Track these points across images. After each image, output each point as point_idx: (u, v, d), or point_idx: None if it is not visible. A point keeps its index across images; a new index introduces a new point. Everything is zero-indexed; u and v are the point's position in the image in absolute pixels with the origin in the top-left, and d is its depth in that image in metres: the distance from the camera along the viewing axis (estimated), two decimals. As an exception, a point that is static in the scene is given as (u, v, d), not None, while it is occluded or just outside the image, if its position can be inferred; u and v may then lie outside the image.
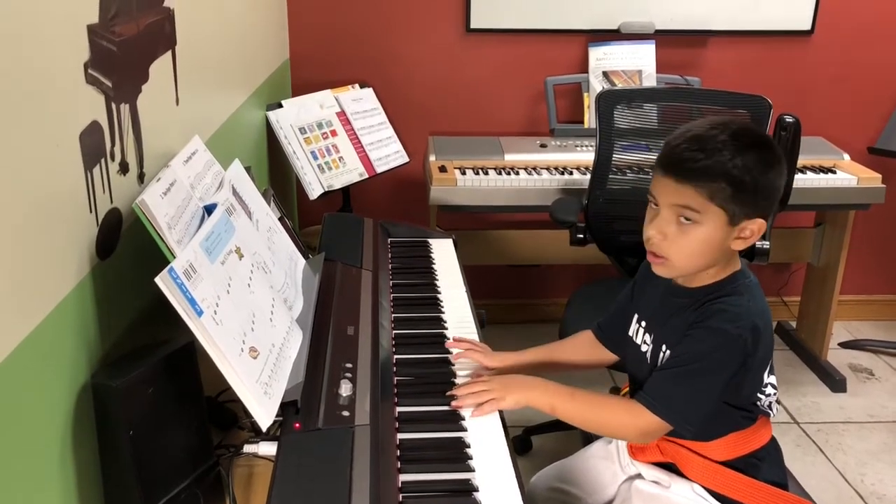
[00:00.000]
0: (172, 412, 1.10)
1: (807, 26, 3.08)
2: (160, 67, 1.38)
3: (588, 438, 1.67)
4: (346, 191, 2.71)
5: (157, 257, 1.10)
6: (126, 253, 1.18)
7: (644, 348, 1.40)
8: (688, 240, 1.28)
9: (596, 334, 1.56)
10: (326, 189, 2.58)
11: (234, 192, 1.45)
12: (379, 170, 2.77)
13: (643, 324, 1.42)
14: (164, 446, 1.09)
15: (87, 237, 1.06)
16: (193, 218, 1.23)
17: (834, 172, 2.77)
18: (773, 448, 1.41)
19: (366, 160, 2.75)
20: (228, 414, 1.37)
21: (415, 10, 3.00)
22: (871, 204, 2.77)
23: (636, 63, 3.01)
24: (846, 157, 2.89)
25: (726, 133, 1.26)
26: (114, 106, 1.15)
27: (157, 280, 1.01)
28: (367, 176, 2.72)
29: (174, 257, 1.07)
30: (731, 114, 2.34)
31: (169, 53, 1.44)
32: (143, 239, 1.13)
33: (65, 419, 0.98)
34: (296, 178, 2.66)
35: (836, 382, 2.99)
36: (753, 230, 1.27)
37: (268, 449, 1.14)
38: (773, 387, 1.38)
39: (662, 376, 1.31)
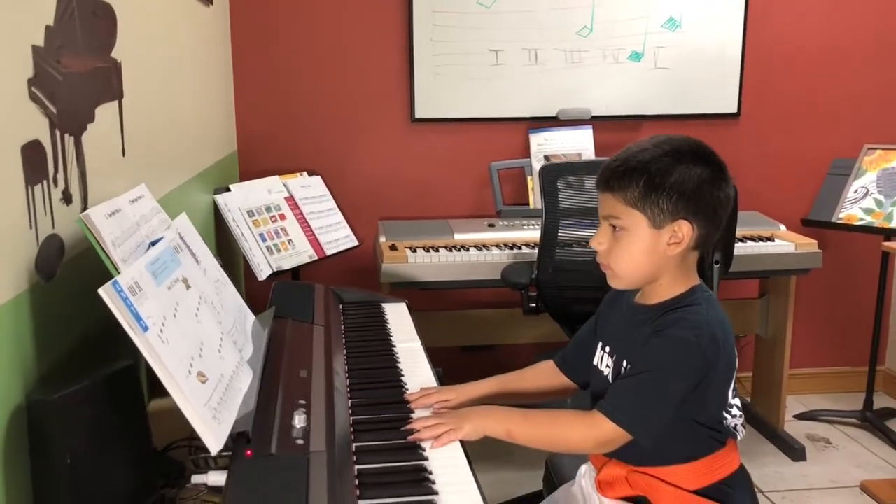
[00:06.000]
0: (114, 439, 1.04)
1: (733, 109, 3.25)
2: (107, 113, 1.39)
3: (551, 489, 1.61)
4: (295, 272, 2.68)
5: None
6: (70, 282, 1.14)
7: (606, 371, 1.39)
8: (621, 247, 1.32)
9: (557, 364, 1.54)
10: (275, 270, 2.55)
11: (182, 239, 1.43)
12: (329, 252, 2.76)
13: (607, 349, 1.41)
14: (104, 476, 1.01)
15: (25, 252, 1.02)
16: (139, 248, 1.20)
17: (772, 240, 2.86)
18: (743, 476, 1.38)
19: (315, 243, 2.74)
20: (174, 465, 1.29)
21: (360, 102, 3.08)
22: (810, 269, 2.85)
23: (575, 147, 3.12)
24: (782, 227, 2.99)
25: (651, 143, 1.31)
26: (58, 133, 1.14)
27: (101, 292, 0.97)
28: (316, 258, 2.70)
29: (119, 273, 1.04)
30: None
31: (116, 103, 1.45)
32: (88, 271, 1.09)
33: (-5, 441, 0.91)
34: (244, 262, 2.63)
35: (795, 451, 2.97)
36: (684, 233, 1.29)
37: (217, 479, 1.07)
38: (739, 409, 1.36)
39: (621, 384, 1.30)
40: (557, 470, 1.66)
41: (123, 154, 1.48)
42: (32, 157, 1.04)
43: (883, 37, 3.28)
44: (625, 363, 1.33)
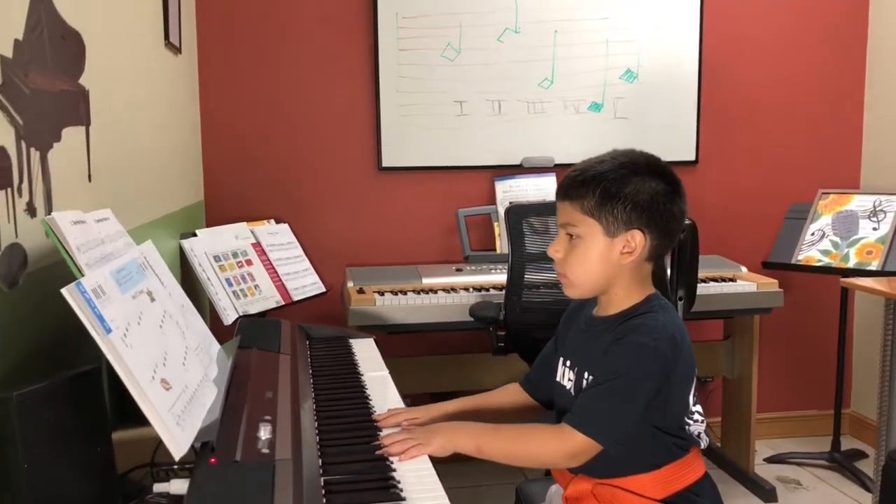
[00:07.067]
0: (75, 445, 1.01)
1: (691, 157, 3.35)
2: (73, 136, 1.39)
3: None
4: (261, 316, 2.66)
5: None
6: (33, 294, 1.13)
7: (569, 385, 1.39)
8: (576, 255, 1.35)
9: (522, 385, 1.55)
10: (242, 315, 2.53)
11: (147, 261, 1.42)
12: (295, 298, 2.75)
13: (568, 363, 1.42)
14: (62, 485, 0.99)
15: (-13, 254, 1.01)
16: (103, 259, 1.20)
17: (734, 281, 2.91)
18: (709, 484, 1.38)
19: (282, 288, 2.73)
20: (134, 487, 1.26)
21: (328, 151, 3.12)
22: (772, 308, 2.90)
23: (540, 193, 3.18)
24: (744, 269, 3.05)
25: (610, 155, 1.35)
26: (24, 145, 1.15)
27: (64, 291, 0.96)
28: (283, 303, 2.69)
29: (83, 276, 1.03)
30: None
31: (83, 128, 1.46)
32: (51, 285, 1.08)
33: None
34: (209, 307, 2.61)
35: (766, 493, 2.97)
36: (637, 243, 1.33)
37: (180, 487, 1.04)
38: (701, 415, 1.38)
39: (587, 396, 1.30)
40: (527, 496, 1.64)
41: (89, 180, 1.49)
42: (-3, 162, 1.05)
43: (834, 87, 3.42)
44: (586, 374, 1.34)
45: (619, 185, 1.31)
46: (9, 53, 1.10)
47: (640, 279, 1.37)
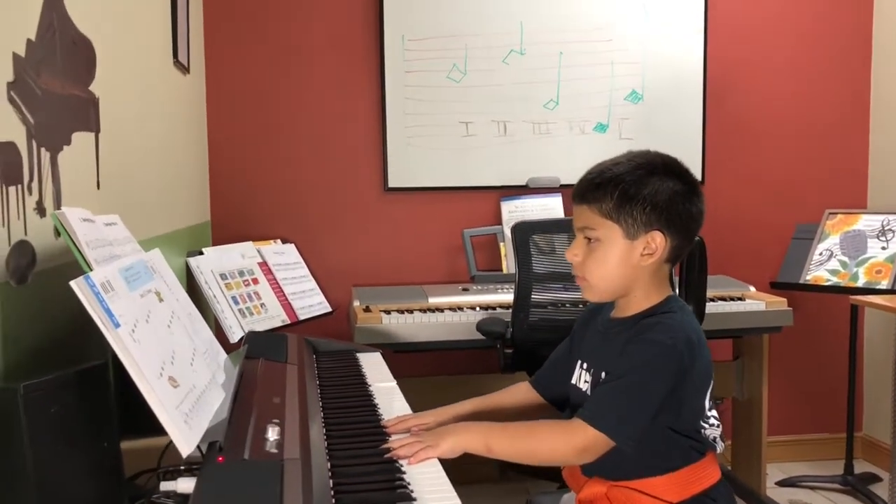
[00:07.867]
0: (81, 438, 1.00)
1: (697, 177, 3.34)
2: (83, 142, 1.40)
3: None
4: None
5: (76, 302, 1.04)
6: (41, 293, 1.12)
7: (585, 387, 1.38)
8: (595, 258, 1.33)
9: (532, 385, 1.53)
10: (247, 333, 2.51)
11: (154, 269, 1.42)
12: (301, 317, 2.73)
13: (584, 365, 1.40)
14: (69, 475, 0.97)
15: (-4, 247, 1.01)
16: (111, 258, 1.19)
17: (743, 300, 2.90)
18: (725, 489, 1.35)
19: (288, 307, 2.72)
20: (140, 492, 1.24)
21: (334, 172, 3.13)
22: (781, 327, 2.87)
23: (545, 213, 3.17)
24: (752, 288, 3.03)
25: (625, 157, 1.34)
26: (35, 144, 1.15)
27: (73, 284, 0.95)
28: (289, 322, 2.68)
29: (92, 270, 1.03)
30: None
31: (93, 135, 1.46)
32: (59, 286, 1.08)
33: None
34: (215, 324, 2.59)
35: (779, 515, 2.92)
36: (657, 244, 1.31)
37: (187, 485, 1.02)
38: (716, 419, 1.36)
39: (601, 391, 1.29)
40: (538, 509, 1.61)
41: (98, 187, 1.49)
42: (7, 158, 1.05)
43: (840, 106, 3.43)
44: (603, 374, 1.33)
45: (638, 187, 1.30)
46: (21, 52, 1.11)
47: (658, 281, 1.36)
